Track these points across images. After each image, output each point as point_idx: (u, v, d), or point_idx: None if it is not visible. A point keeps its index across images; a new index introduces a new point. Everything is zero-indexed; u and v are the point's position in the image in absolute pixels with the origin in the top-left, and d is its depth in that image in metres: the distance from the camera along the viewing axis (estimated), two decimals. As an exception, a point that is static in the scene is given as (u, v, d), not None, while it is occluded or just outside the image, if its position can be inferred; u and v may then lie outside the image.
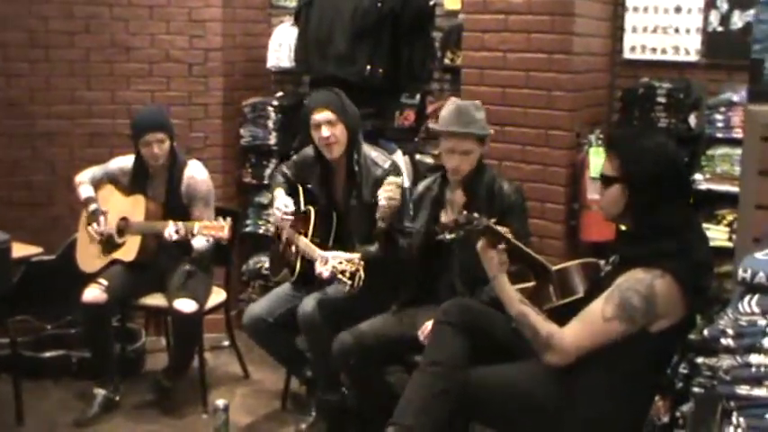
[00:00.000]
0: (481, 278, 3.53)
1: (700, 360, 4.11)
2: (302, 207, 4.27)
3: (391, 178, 3.77)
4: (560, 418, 2.91)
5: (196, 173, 4.58)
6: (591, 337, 2.82)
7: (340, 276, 3.74)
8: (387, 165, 4.12)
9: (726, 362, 2.20)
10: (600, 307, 2.80)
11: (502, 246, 3.05)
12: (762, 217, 2.52)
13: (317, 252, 4.01)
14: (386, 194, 3.69)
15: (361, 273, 3.72)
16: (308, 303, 4.03)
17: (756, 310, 2.15)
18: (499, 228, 3.09)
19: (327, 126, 4.05)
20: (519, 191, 3.80)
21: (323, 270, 3.86)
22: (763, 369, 2.11)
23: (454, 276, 3.76)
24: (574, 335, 2.84)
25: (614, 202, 2.92)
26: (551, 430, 2.97)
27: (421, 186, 4.00)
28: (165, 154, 4.48)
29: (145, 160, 4.50)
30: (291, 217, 4.15)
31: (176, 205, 4.53)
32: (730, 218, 4.06)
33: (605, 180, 2.94)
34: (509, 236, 3.09)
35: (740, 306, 2.17)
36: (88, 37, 5.42)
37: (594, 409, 2.86)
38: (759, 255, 2.21)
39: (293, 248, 4.19)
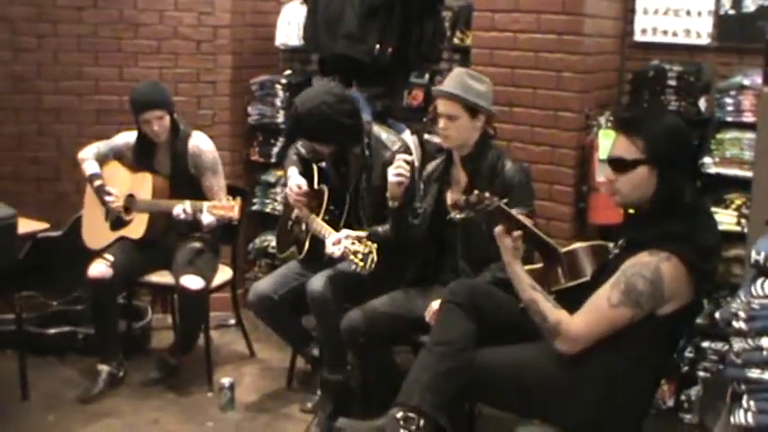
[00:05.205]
0: (485, 258, 3.54)
1: (706, 344, 4.12)
2: (315, 186, 4.26)
3: (400, 156, 3.73)
4: (565, 401, 2.90)
5: (200, 143, 4.57)
6: (598, 324, 2.80)
7: (352, 257, 3.73)
8: (396, 147, 4.10)
9: (737, 345, 2.19)
10: (606, 294, 2.79)
11: (518, 233, 3.03)
12: (774, 200, 2.51)
13: (330, 232, 4.00)
14: (395, 171, 3.65)
15: (374, 255, 3.69)
16: (318, 281, 4.01)
17: (769, 293, 2.14)
18: (510, 209, 3.07)
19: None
20: (523, 171, 3.77)
21: (335, 250, 3.84)
22: (774, 352, 2.11)
23: (459, 256, 3.75)
24: (581, 323, 2.83)
25: (638, 185, 2.83)
26: (556, 412, 2.96)
27: (430, 166, 3.99)
28: (166, 130, 4.47)
29: (148, 135, 4.50)
30: (305, 198, 4.15)
31: (183, 177, 4.52)
32: (739, 202, 4.04)
33: (625, 164, 2.84)
34: (519, 217, 3.07)
35: (753, 289, 2.17)
36: (96, 12, 5.40)
37: (600, 392, 2.85)
38: (772, 238, 2.21)
39: (303, 226, 4.17)
